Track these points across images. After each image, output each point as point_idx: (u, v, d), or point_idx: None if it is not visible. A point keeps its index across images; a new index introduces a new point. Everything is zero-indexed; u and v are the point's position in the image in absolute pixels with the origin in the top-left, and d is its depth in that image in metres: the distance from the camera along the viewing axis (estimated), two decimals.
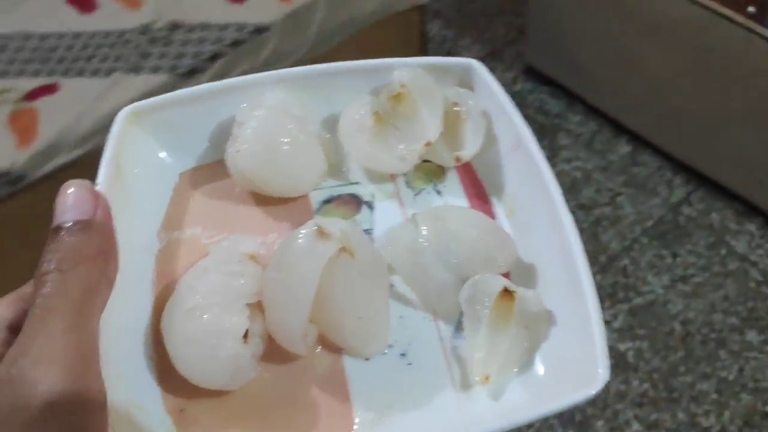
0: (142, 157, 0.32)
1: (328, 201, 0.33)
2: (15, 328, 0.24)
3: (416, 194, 0.33)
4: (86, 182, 0.26)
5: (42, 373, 0.21)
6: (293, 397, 0.27)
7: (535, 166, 0.30)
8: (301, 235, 0.26)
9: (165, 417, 0.26)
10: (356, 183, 0.34)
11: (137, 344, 0.27)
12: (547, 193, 0.29)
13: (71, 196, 0.25)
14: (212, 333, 0.25)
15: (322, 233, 0.26)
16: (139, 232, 0.30)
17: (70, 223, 0.25)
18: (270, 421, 0.26)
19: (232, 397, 0.27)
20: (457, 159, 0.32)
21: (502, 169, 0.32)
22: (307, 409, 0.27)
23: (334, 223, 0.26)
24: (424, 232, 0.29)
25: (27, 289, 0.24)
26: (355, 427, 0.26)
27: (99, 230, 0.25)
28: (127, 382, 0.25)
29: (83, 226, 0.25)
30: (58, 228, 0.24)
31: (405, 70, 0.33)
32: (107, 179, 0.28)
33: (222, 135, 0.33)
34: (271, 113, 0.32)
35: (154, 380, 0.27)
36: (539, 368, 0.27)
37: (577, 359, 0.25)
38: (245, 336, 0.26)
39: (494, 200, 0.32)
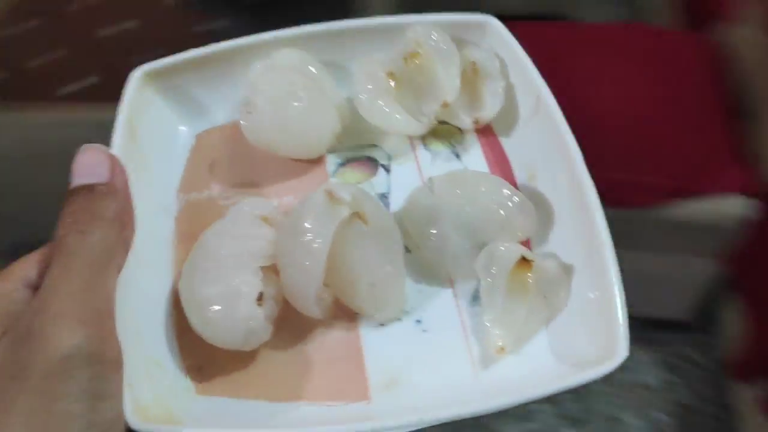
0: (157, 119, 0.32)
1: (344, 164, 0.32)
2: (37, 288, 0.24)
3: (434, 157, 0.32)
4: (101, 146, 0.26)
5: (60, 328, 0.21)
6: (308, 360, 0.27)
7: (555, 129, 0.28)
8: (312, 200, 0.26)
9: (183, 375, 0.27)
10: (373, 145, 0.33)
11: (158, 303, 0.28)
12: (568, 157, 0.27)
13: (87, 160, 0.26)
14: (226, 295, 0.26)
15: (332, 198, 0.25)
16: (157, 193, 0.30)
17: (87, 187, 0.25)
18: (285, 382, 0.27)
19: (247, 358, 0.27)
20: (476, 121, 0.31)
21: (523, 131, 0.31)
22: (321, 372, 0.27)
23: (346, 188, 0.26)
24: (441, 197, 0.28)
25: (47, 249, 0.25)
26: (369, 391, 0.26)
27: (115, 194, 0.25)
28: (147, 340, 0.26)
29: (99, 189, 0.25)
30: (75, 191, 0.25)
31: (419, 27, 0.32)
32: (122, 142, 0.28)
33: (237, 95, 0.33)
34: (283, 74, 0.31)
35: (173, 338, 0.27)
36: (556, 340, 0.26)
37: (596, 332, 0.24)
38: (259, 299, 0.26)
39: (515, 163, 0.31)
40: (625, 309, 0.24)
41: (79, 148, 0.26)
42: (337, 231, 0.25)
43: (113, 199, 0.25)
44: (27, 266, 0.25)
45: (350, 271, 0.26)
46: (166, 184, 0.32)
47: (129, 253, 0.26)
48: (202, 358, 0.27)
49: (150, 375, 0.25)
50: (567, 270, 0.27)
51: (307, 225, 0.26)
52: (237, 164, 0.33)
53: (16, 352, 0.21)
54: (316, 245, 0.25)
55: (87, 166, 0.25)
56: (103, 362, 0.22)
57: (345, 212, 0.25)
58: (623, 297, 0.24)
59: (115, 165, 0.26)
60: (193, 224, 0.31)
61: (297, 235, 0.26)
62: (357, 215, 0.26)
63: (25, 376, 0.21)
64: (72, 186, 0.25)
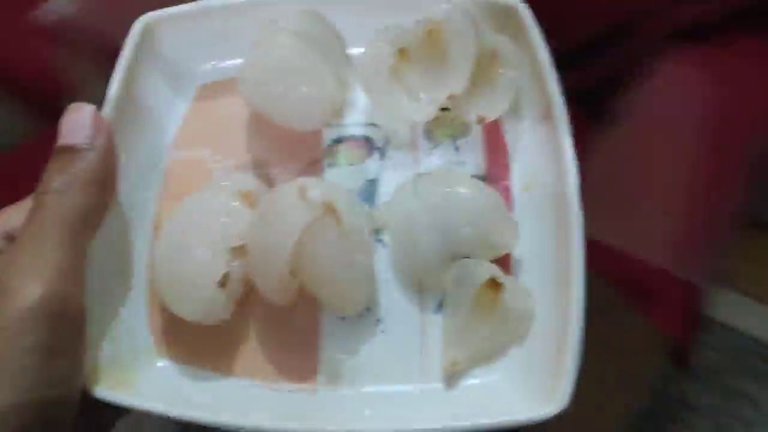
0: (157, 71, 0.31)
1: (339, 141, 0.31)
2: (14, 239, 0.25)
3: (433, 147, 0.31)
4: (89, 106, 0.26)
5: (25, 284, 0.22)
6: (266, 341, 0.28)
7: (558, 144, 0.26)
8: (284, 194, 0.25)
9: (147, 335, 0.28)
10: (372, 125, 0.31)
11: (135, 263, 0.29)
12: (563, 179, 0.25)
13: (75, 120, 0.26)
14: (191, 273, 0.26)
15: (304, 196, 0.25)
16: (149, 148, 0.30)
17: (70, 147, 0.25)
18: (240, 357, 0.28)
19: (208, 330, 0.28)
20: (480, 119, 0.29)
21: (529, 135, 0.29)
22: (276, 354, 0.27)
23: (319, 187, 0.25)
24: (424, 201, 0.27)
25: (28, 203, 0.26)
26: (317, 380, 0.27)
27: (99, 156, 0.26)
28: (117, 301, 0.27)
29: (81, 150, 0.25)
30: (59, 150, 0.25)
31: (442, 4, 0.29)
32: (118, 94, 0.28)
33: (241, 51, 0.31)
34: (286, 37, 0.29)
35: (144, 298, 0.28)
36: (508, 369, 0.25)
37: (546, 374, 0.24)
38: (224, 279, 0.26)
39: (514, 169, 0.29)
40: (578, 358, 0.23)
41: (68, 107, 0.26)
42: (308, 226, 0.25)
43: (97, 161, 0.25)
44: (9, 217, 0.26)
45: (316, 265, 0.26)
46: (160, 139, 0.31)
47: (110, 211, 0.26)
48: (167, 321, 0.28)
49: (113, 338, 0.26)
50: (536, 299, 0.26)
51: (277, 218, 0.25)
52: (232, 125, 0.32)
53: None
54: (281, 240, 0.25)
55: (72, 126, 0.25)
56: (63, 320, 0.23)
57: (315, 211, 0.25)
58: (580, 346, 0.23)
59: (100, 126, 0.26)
60: (181, 184, 0.31)
61: (265, 227, 0.25)
62: (331, 212, 0.25)
63: None
64: (57, 145, 0.25)
